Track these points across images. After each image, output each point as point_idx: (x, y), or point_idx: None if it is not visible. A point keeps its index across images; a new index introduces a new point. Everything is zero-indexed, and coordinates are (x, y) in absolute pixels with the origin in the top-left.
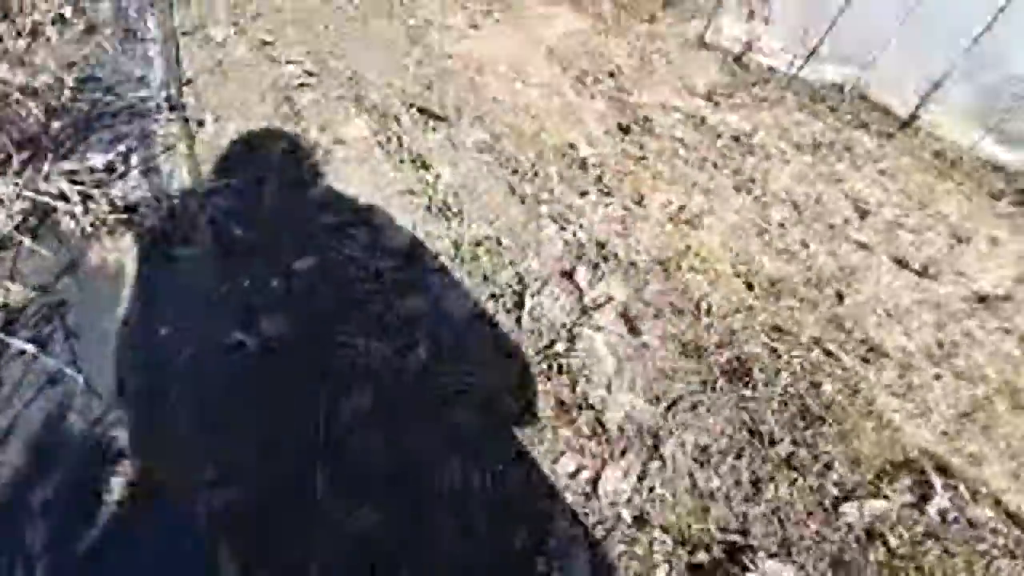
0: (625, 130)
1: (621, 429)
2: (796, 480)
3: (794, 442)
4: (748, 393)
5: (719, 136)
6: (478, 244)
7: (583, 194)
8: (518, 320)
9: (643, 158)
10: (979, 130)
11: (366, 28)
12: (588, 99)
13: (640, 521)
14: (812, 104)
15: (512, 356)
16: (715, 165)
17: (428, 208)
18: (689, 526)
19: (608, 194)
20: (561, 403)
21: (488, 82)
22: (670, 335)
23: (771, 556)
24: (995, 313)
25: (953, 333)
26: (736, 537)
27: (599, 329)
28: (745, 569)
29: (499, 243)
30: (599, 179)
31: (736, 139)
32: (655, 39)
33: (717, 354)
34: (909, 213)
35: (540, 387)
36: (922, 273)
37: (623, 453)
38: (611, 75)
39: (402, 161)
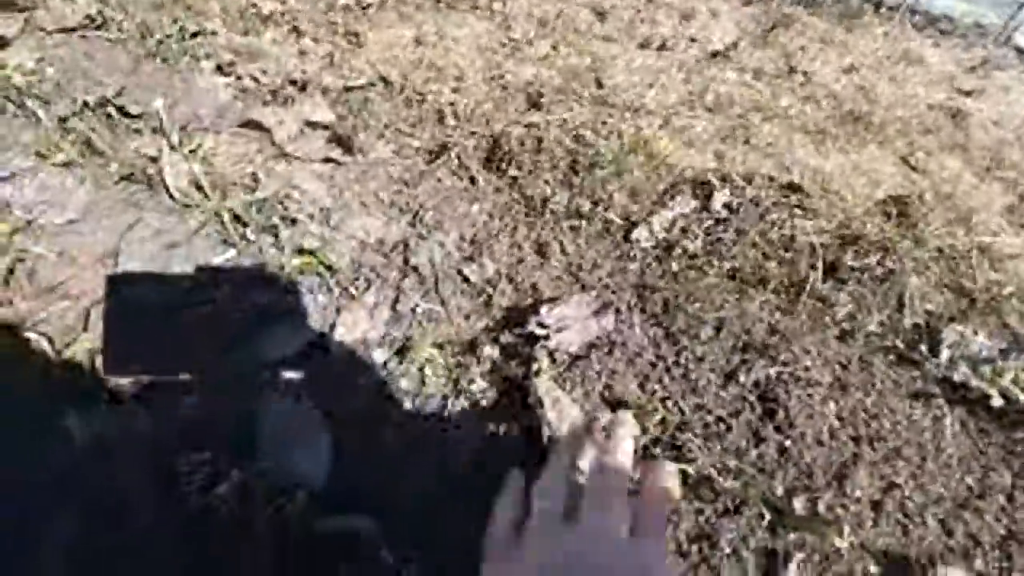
0: None
1: (355, 262)
2: (579, 228)
3: (570, 194)
4: (513, 173)
5: None
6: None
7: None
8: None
9: (364, 7)
10: None
11: None
12: None
13: (403, 352)
14: None
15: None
16: (449, 5)
17: None
18: (468, 317)
19: (306, 38)
20: (263, 278)
21: None
22: (405, 146)
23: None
24: (728, 61)
25: (699, 82)
26: (529, 303)
27: (300, 161)
28: (542, 326)
29: (123, 112)
30: (294, 29)
31: None
32: None
33: (470, 152)
34: (640, 7)
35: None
36: (662, 47)
37: (367, 288)
38: None
39: None
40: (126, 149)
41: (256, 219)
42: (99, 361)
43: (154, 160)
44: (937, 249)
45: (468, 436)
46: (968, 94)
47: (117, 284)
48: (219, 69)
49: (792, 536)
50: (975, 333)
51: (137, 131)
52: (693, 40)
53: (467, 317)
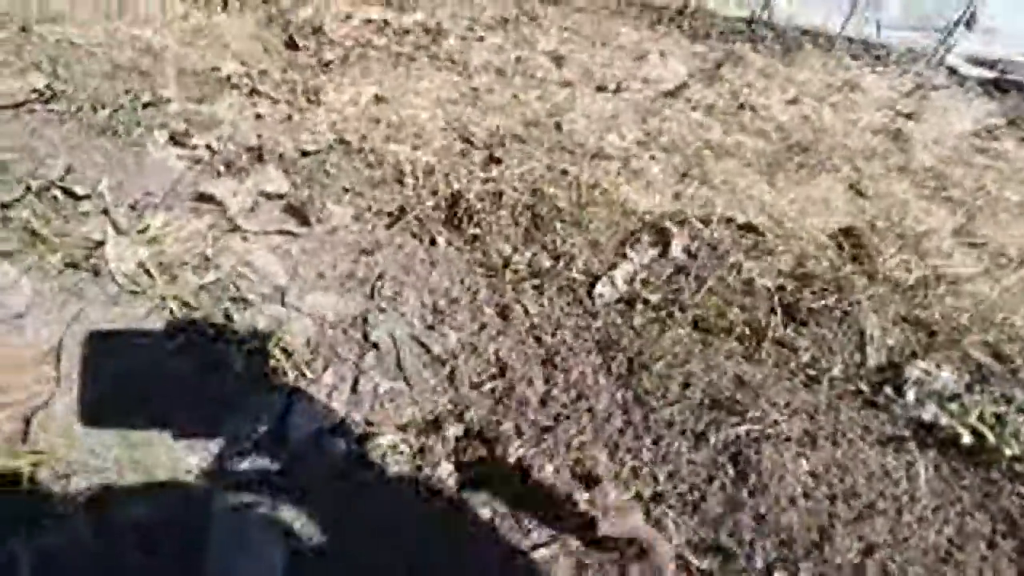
0: (293, 45)
1: (311, 343)
2: (542, 287)
3: (531, 251)
4: (473, 231)
5: (407, 32)
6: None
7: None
8: (115, 280)
9: (326, 64)
10: None
11: None
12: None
13: (364, 440)
14: None
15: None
16: (410, 58)
17: None
18: (434, 391)
19: (264, 100)
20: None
21: None
22: (363, 210)
23: (533, 390)
24: (679, 100)
25: (654, 123)
26: (495, 380)
27: (254, 235)
28: (507, 418)
29: (69, 193)
30: (253, 91)
31: (427, 31)
32: None
33: (429, 212)
34: (595, 52)
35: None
36: (617, 89)
37: (325, 369)
38: None
39: None
40: (72, 234)
41: (206, 304)
42: (41, 474)
43: (100, 244)
44: (893, 283)
45: (434, 532)
46: (908, 116)
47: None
48: (172, 139)
49: None
50: (938, 367)
51: (84, 213)
52: (646, 81)
53: (433, 391)
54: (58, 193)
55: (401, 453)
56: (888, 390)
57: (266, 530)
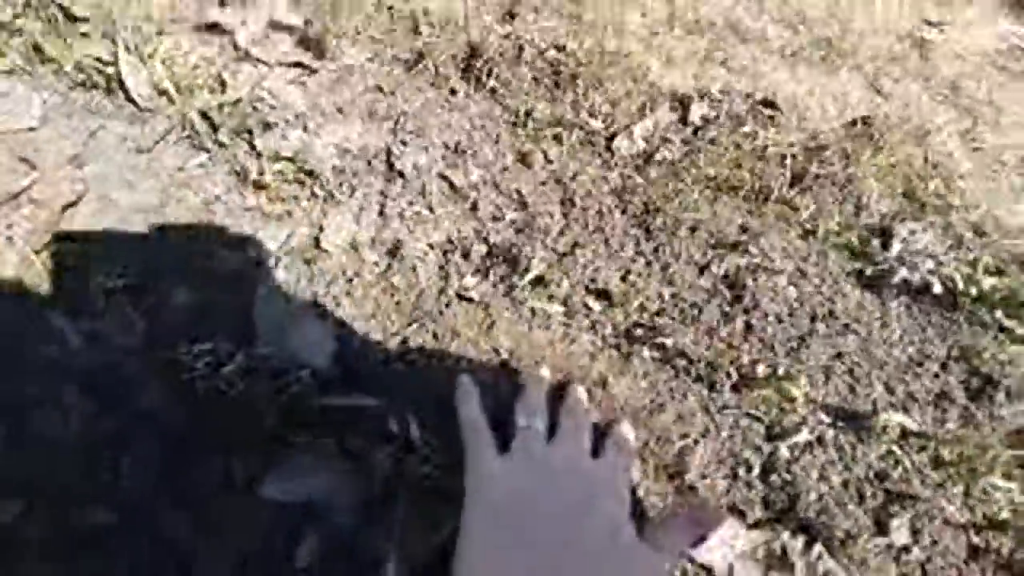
0: None
1: (337, 169)
2: (561, 136)
3: (552, 105)
4: (495, 84)
5: None
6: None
7: None
8: (131, 99)
9: None
10: None
11: None
12: None
13: (394, 252)
14: None
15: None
16: None
17: None
18: (456, 220)
19: None
20: (238, 172)
21: None
22: (379, 53)
23: (552, 221)
24: None
25: (680, 3)
26: (516, 212)
27: (268, 65)
28: (530, 255)
29: (68, 14)
30: None
31: None
32: None
33: (447, 63)
34: None
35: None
36: None
37: (352, 193)
38: None
39: None
40: (77, 54)
41: (227, 122)
42: (79, 262)
43: (110, 64)
44: (895, 163)
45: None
46: (935, 25)
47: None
48: None
49: (754, 393)
50: (924, 231)
51: (85, 35)
52: None
53: (455, 220)
54: (56, 12)
55: (430, 266)
56: (875, 243)
57: (311, 312)
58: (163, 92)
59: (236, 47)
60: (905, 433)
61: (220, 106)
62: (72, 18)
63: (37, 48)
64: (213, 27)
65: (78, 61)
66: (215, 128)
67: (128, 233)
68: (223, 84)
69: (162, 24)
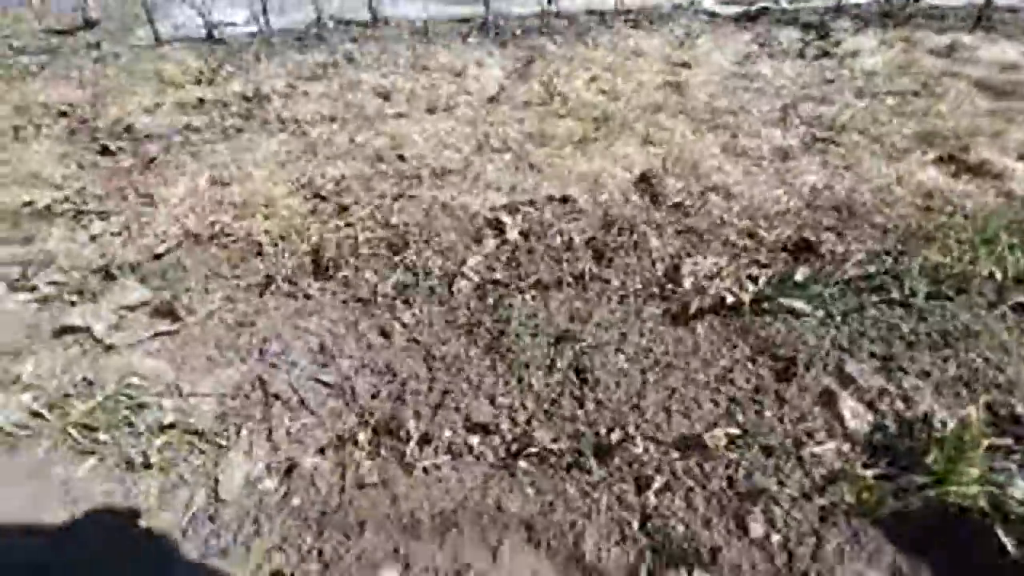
0: (107, 152)
1: (219, 416)
2: (410, 300)
3: (394, 274)
4: (343, 274)
5: (227, 105)
6: None
7: None
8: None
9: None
10: None
11: None
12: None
13: (289, 472)
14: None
15: None
16: (238, 129)
17: None
18: (340, 415)
19: (95, 219)
20: (128, 462)
21: None
22: (234, 289)
23: (420, 380)
24: (500, 102)
25: (483, 129)
26: (389, 385)
27: (129, 348)
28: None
29: None
30: (79, 213)
31: (247, 98)
32: None
33: (296, 273)
34: (418, 78)
35: None
36: (447, 108)
37: (238, 433)
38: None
39: None
40: None
41: (105, 418)
42: None
43: None
44: (674, 205)
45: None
46: (683, 65)
47: None
48: (12, 287)
49: (615, 460)
50: (704, 257)
51: None
52: (469, 93)
53: (339, 415)
54: None
55: (325, 473)
56: (670, 285)
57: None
58: (37, 415)
59: (96, 340)
60: (732, 439)
61: (92, 410)
62: None
63: None
64: (70, 330)
65: None
66: (94, 431)
67: None
68: (91, 385)
69: (23, 345)
